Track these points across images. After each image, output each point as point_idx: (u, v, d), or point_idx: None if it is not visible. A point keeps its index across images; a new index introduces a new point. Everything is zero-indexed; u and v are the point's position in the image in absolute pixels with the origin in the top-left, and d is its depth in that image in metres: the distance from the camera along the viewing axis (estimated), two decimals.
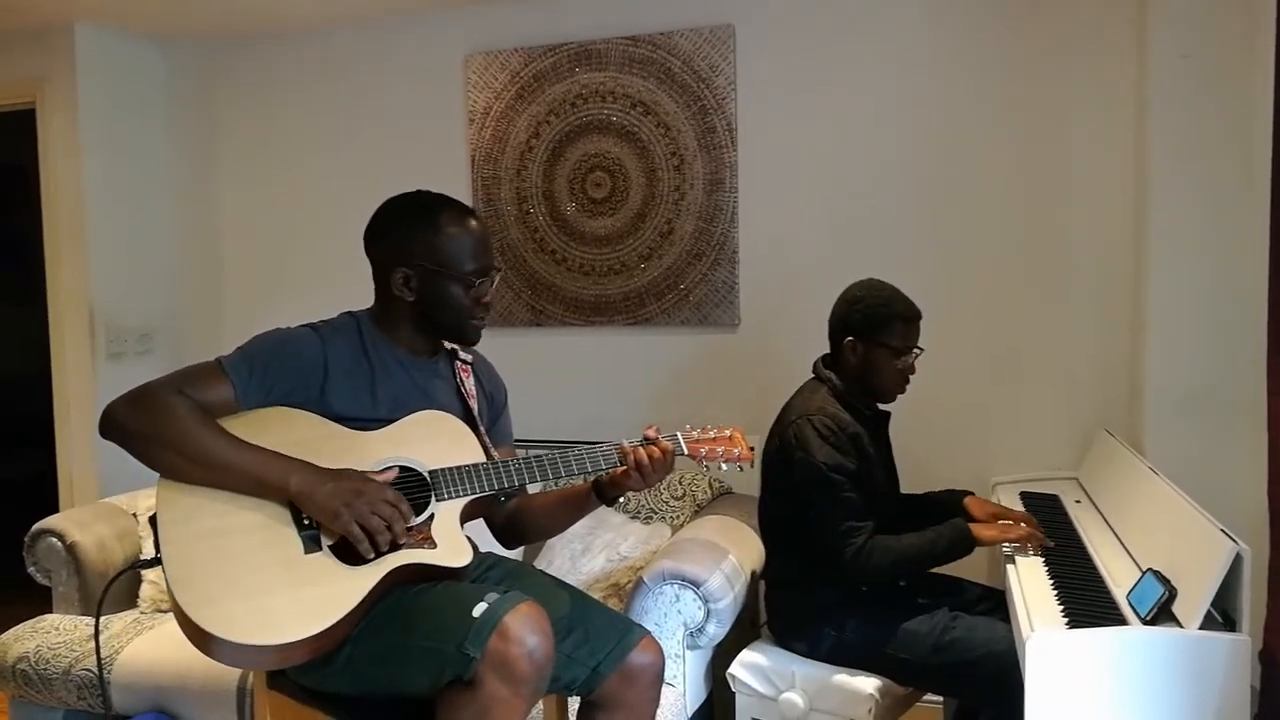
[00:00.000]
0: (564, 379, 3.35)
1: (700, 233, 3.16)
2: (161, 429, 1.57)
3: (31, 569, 2.79)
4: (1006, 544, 2.09)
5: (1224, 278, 2.45)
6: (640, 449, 1.75)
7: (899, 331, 2.21)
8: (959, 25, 2.89)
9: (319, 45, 3.60)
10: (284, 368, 1.68)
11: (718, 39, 3.09)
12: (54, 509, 3.27)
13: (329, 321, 1.79)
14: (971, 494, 2.40)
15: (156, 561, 1.57)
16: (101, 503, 3.02)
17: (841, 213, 3.03)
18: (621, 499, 1.84)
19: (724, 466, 1.83)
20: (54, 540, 2.75)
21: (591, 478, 1.83)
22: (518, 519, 1.94)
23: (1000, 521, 2.20)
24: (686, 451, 1.81)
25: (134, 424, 1.59)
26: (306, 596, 1.55)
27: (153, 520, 1.59)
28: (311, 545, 1.60)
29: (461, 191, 3.39)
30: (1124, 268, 2.76)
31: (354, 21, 3.51)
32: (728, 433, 1.85)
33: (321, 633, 1.53)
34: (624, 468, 1.76)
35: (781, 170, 3.08)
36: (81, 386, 3.52)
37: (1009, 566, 2.03)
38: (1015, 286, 2.89)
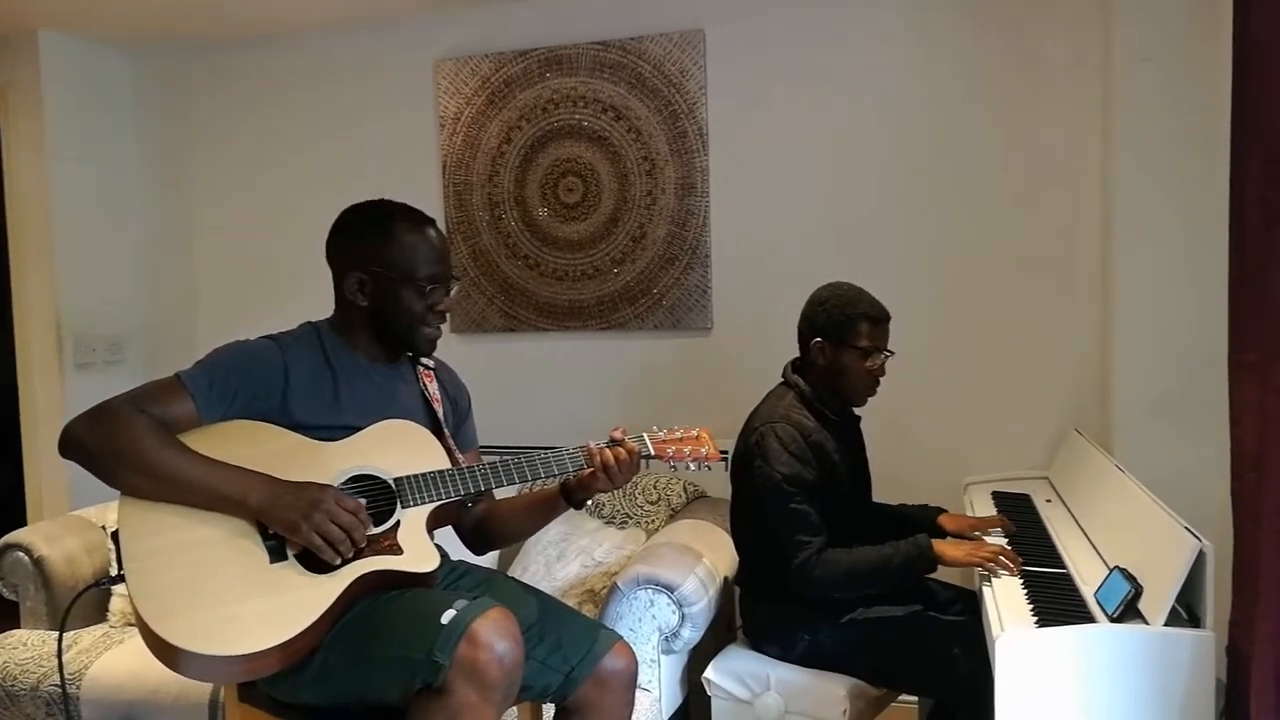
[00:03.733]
0: (537, 384, 3.35)
1: (672, 237, 3.17)
2: (121, 447, 1.56)
3: None
4: (978, 567, 2.02)
5: (1190, 278, 2.48)
6: (606, 450, 1.76)
7: (866, 332, 2.21)
8: (928, 31, 2.91)
9: (288, 51, 3.57)
10: (244, 379, 1.67)
11: (688, 44, 3.10)
12: (22, 522, 3.23)
13: (289, 332, 1.79)
14: (945, 511, 2.41)
15: (120, 579, 1.55)
16: (70, 516, 2.98)
17: (812, 216, 3.04)
18: (593, 504, 1.85)
19: (691, 467, 1.84)
20: (21, 554, 2.72)
21: (558, 481, 1.84)
22: (485, 524, 1.95)
23: (969, 541, 2.15)
24: (653, 452, 1.82)
25: (93, 442, 1.57)
26: (272, 606, 1.54)
27: (115, 537, 1.58)
28: (276, 555, 1.59)
29: (433, 197, 3.38)
30: (1093, 269, 2.79)
31: (323, 27, 3.49)
32: (695, 433, 1.86)
33: (288, 641, 1.52)
34: (590, 469, 1.76)
35: (753, 174, 3.10)
36: (49, 397, 3.48)
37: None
38: (986, 288, 2.91)
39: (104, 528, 2.87)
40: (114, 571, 2.74)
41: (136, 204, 3.76)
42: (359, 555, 1.61)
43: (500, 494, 1.94)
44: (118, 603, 2.73)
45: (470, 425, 2.01)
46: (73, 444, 1.59)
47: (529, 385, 3.34)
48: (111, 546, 2.78)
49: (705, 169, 3.12)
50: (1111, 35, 2.63)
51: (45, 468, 3.50)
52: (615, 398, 3.26)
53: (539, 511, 1.90)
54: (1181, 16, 2.46)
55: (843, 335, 2.21)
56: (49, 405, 3.48)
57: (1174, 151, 2.49)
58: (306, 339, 1.78)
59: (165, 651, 1.50)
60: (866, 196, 2.99)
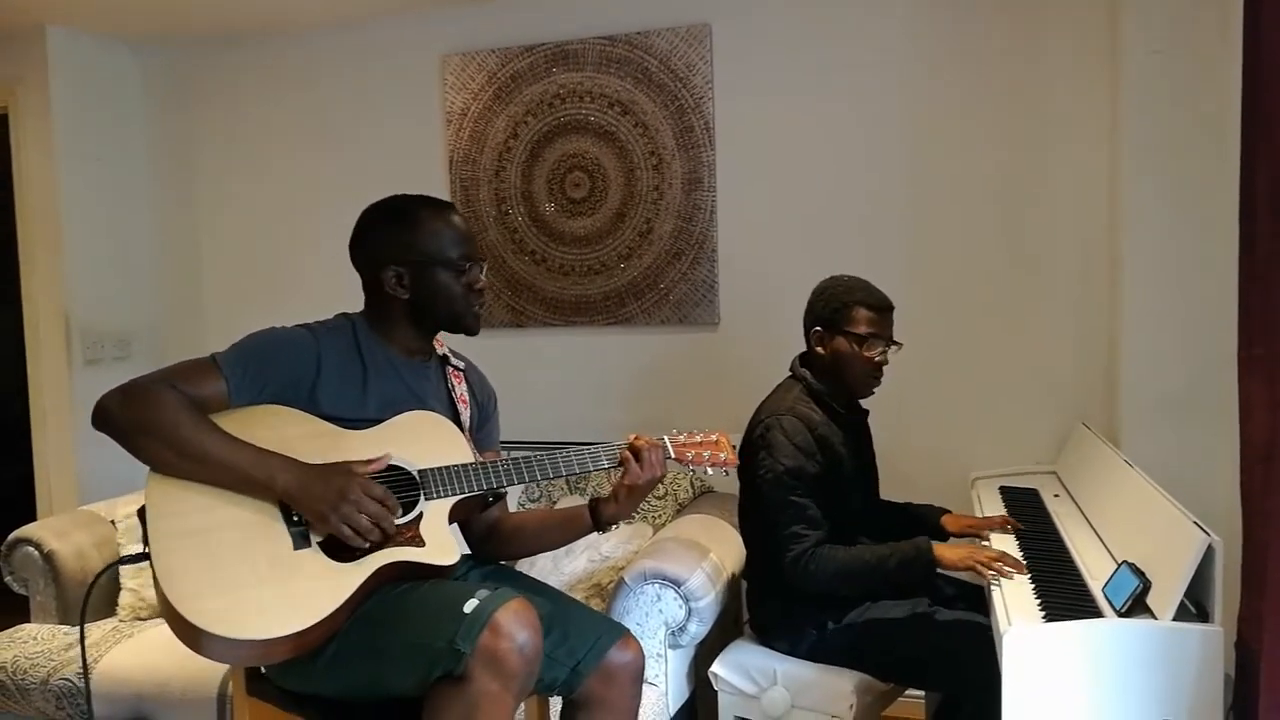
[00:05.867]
0: (544, 380, 3.35)
1: (679, 232, 3.17)
2: (152, 422, 1.57)
3: (8, 578, 2.77)
4: (978, 573, 1.97)
5: (1198, 272, 2.47)
6: (627, 450, 1.80)
7: (863, 319, 2.19)
8: (934, 24, 2.90)
9: (295, 47, 3.58)
10: (277, 366, 1.68)
11: (694, 38, 3.09)
12: (32, 517, 3.25)
13: (324, 322, 1.81)
14: (949, 511, 2.40)
15: (145, 556, 1.57)
16: (80, 510, 3.00)
17: (819, 211, 3.04)
18: (614, 528, 1.87)
19: (709, 471, 1.87)
20: (31, 549, 2.73)
21: (587, 495, 1.85)
22: (498, 533, 1.95)
23: (970, 544, 2.12)
24: (673, 455, 1.85)
25: (125, 416, 1.59)
26: (294, 592, 1.56)
27: (141, 514, 1.59)
28: (301, 541, 1.61)
29: (439, 192, 3.37)
30: (1100, 264, 2.79)
31: (329, 23, 3.49)
32: (714, 437, 1.89)
33: (308, 629, 1.54)
34: (617, 467, 1.79)
35: (759, 169, 3.09)
36: (58, 393, 3.49)
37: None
38: (994, 282, 2.90)
39: (113, 522, 2.88)
40: (125, 552, 2.75)
41: (144, 200, 3.77)
42: (382, 544, 1.63)
43: (517, 491, 1.93)
44: (126, 597, 2.74)
45: (494, 426, 2.02)
46: (105, 417, 1.60)
47: (536, 381, 3.34)
48: (122, 539, 2.79)
49: (712, 164, 3.12)
50: (1118, 28, 2.61)
51: (54, 463, 3.51)
52: (622, 393, 3.26)
53: (560, 527, 1.91)
54: (1190, 7, 2.44)
55: (838, 321, 2.21)
56: (58, 401, 3.49)
57: (1181, 144, 2.47)
58: (341, 331, 1.79)
59: (186, 631, 1.51)
60: (873, 191, 2.98)
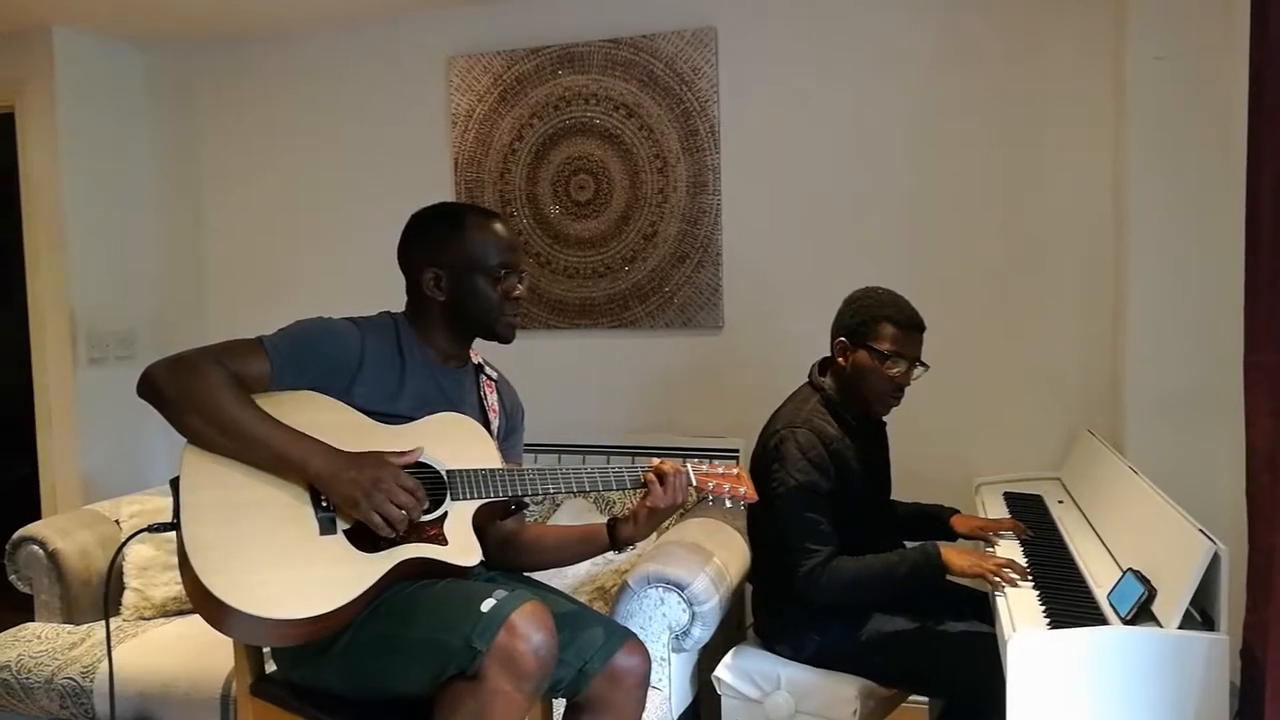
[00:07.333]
0: (549, 382, 3.34)
1: (684, 235, 3.17)
2: (195, 395, 1.59)
3: (12, 577, 2.78)
4: (985, 579, 1.97)
5: (1203, 278, 2.47)
6: (651, 472, 1.82)
7: (888, 335, 2.16)
8: (940, 28, 2.90)
9: (300, 47, 3.58)
10: (322, 356, 1.70)
11: (700, 41, 3.09)
12: (36, 516, 3.25)
13: (369, 318, 1.83)
14: (958, 511, 2.39)
15: (174, 526, 1.57)
16: (84, 509, 3.00)
17: (824, 215, 3.04)
18: (604, 501, 1.87)
19: (728, 503, 1.89)
20: (35, 548, 2.73)
21: (590, 500, 1.86)
22: (515, 544, 1.95)
23: (976, 550, 2.13)
24: (694, 483, 1.86)
25: (170, 387, 1.60)
26: (316, 576, 1.57)
27: (174, 484, 1.60)
28: (328, 527, 1.62)
29: (445, 194, 3.38)
30: (1105, 269, 2.78)
31: (335, 23, 3.50)
32: (735, 471, 1.91)
33: (326, 614, 1.54)
34: (642, 489, 1.81)
35: (764, 172, 3.09)
36: (62, 392, 3.49)
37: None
38: (998, 287, 2.90)
39: (117, 521, 2.89)
40: (128, 550, 2.75)
41: (148, 199, 3.78)
42: (405, 539, 1.64)
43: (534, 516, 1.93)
44: (130, 596, 2.75)
45: (518, 439, 2.04)
46: (150, 386, 1.62)
47: (539, 384, 3.31)
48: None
49: (717, 167, 3.12)
50: (1122, 33, 2.61)
51: (59, 462, 3.51)
52: (626, 396, 3.26)
53: (577, 543, 1.93)
54: (1195, 13, 2.44)
55: (863, 335, 2.18)
56: (62, 400, 3.49)
57: (1186, 149, 2.47)
58: (385, 328, 1.81)
59: (208, 604, 1.52)
60: (878, 195, 2.98)
